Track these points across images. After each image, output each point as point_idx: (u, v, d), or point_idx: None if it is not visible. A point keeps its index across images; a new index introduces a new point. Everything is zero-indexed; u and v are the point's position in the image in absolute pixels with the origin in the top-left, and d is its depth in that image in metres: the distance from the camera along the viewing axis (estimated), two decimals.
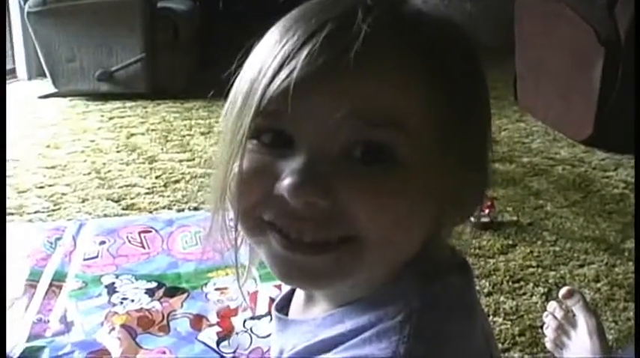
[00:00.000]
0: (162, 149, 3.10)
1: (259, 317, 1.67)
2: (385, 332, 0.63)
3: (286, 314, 0.78)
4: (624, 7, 2.86)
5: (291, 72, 0.58)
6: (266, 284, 1.73)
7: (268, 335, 1.56)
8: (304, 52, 0.59)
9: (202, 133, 3.35)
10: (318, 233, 0.61)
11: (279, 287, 1.71)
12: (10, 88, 4.50)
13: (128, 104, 3.92)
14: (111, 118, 3.66)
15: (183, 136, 3.31)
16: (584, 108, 3.04)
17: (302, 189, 0.59)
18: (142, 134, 3.34)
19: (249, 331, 1.62)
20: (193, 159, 2.95)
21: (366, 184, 0.59)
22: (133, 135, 3.33)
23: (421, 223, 0.63)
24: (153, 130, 3.41)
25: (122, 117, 3.68)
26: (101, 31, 4.08)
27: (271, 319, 0.80)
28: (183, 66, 4.30)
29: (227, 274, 1.85)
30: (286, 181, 0.59)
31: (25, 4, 4.14)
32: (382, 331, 0.63)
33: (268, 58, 0.61)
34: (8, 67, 4.76)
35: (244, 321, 1.66)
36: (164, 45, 4.14)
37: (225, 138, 0.65)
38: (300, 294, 0.77)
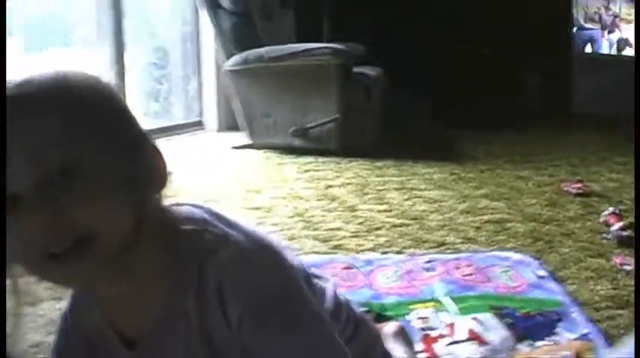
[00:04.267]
0: (360, 200, 3.34)
1: (458, 342, 1.90)
2: None
3: None
4: None
5: None
6: (464, 317, 2.00)
7: None
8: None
9: (396, 189, 3.56)
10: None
11: (475, 318, 1.97)
12: (199, 138, 5.04)
13: (320, 159, 4.26)
14: (306, 171, 3.99)
15: (379, 190, 3.53)
16: None
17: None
18: (339, 186, 3.61)
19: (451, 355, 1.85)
20: (391, 211, 3.15)
21: (74, 199, 0.85)
22: (330, 186, 3.61)
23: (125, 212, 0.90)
24: (348, 184, 3.67)
25: (317, 170, 4.01)
26: (297, 91, 4.45)
27: None
28: (372, 126, 4.62)
29: (426, 307, 2.10)
30: None
31: (226, 61, 4.60)
32: None
33: None
34: (195, 119, 5.27)
35: (446, 345, 1.89)
36: (356, 107, 4.48)
37: None
38: None
